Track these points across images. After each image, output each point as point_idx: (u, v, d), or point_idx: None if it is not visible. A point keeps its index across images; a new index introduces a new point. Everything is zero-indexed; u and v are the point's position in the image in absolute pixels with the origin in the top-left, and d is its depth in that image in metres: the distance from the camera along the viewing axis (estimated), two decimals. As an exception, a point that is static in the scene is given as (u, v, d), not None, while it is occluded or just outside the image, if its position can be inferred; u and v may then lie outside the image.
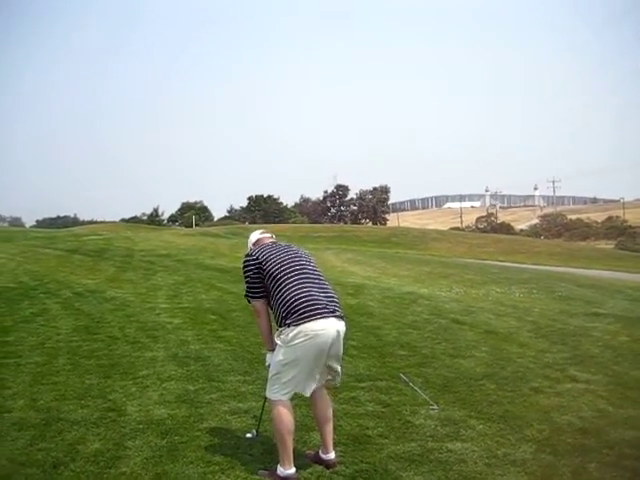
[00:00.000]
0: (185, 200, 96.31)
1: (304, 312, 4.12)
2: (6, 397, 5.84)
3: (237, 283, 12.69)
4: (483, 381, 6.49)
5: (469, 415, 5.41)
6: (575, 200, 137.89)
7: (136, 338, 8.26)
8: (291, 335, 4.11)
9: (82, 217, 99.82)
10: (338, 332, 4.23)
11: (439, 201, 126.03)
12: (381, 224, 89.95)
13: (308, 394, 4.35)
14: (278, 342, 4.22)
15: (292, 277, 4.26)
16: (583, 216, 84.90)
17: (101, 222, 74.50)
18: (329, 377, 4.42)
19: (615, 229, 72.25)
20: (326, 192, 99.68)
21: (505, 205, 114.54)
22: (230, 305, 10.83)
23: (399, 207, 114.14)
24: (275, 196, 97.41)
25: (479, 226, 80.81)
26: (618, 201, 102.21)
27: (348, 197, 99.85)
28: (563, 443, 4.80)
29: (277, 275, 4.27)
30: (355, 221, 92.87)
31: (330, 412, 4.51)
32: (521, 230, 77.94)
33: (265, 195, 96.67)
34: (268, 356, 4.44)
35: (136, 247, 21.45)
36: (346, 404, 5.61)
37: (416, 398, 5.78)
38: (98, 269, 16.06)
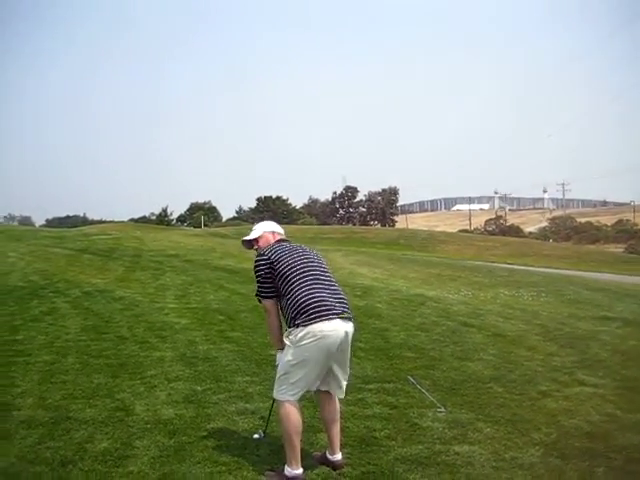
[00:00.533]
0: (194, 200, 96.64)
1: (313, 313, 4.13)
2: (15, 395, 5.88)
3: (245, 284, 12.72)
4: (491, 384, 6.48)
5: (477, 418, 5.40)
6: (585, 203, 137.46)
7: (144, 338, 8.29)
8: (300, 335, 4.12)
9: (91, 217, 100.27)
10: (347, 333, 4.23)
11: (448, 203, 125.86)
12: (390, 226, 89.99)
13: (313, 389, 4.37)
14: (287, 342, 4.23)
15: (303, 278, 4.27)
16: (593, 219, 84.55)
17: (110, 222, 74.75)
18: (336, 380, 4.41)
19: (625, 232, 71.95)
20: (335, 193, 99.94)
21: (514, 208, 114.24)
22: (238, 306, 10.85)
23: (408, 209, 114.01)
24: (284, 197, 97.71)
25: (488, 228, 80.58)
26: (628, 204, 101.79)
27: (357, 199, 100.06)
28: (571, 447, 4.79)
29: (288, 276, 4.28)
30: (364, 222, 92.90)
31: (337, 413, 4.52)
32: (530, 233, 77.74)
33: (274, 196, 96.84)
34: (278, 356, 4.45)
35: (145, 247, 21.49)
36: (353, 406, 5.61)
37: (423, 400, 5.77)
38: (107, 269, 16.11)
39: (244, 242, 4.82)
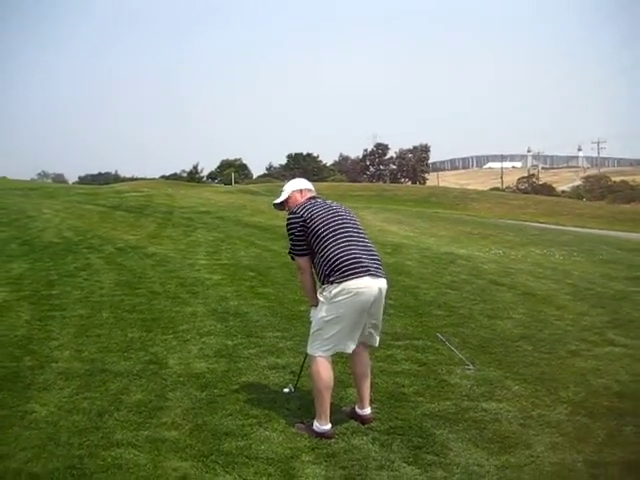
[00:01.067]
0: (224, 157, 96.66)
1: (347, 270, 4.15)
2: (52, 348, 6.05)
3: (276, 240, 12.80)
4: (520, 342, 6.48)
5: (505, 376, 5.42)
6: (620, 162, 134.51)
7: (176, 293, 8.43)
8: (334, 292, 4.16)
9: (123, 174, 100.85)
10: (380, 290, 4.26)
11: (480, 161, 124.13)
12: (420, 183, 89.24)
13: (349, 351, 4.41)
14: (321, 299, 4.27)
15: (336, 235, 4.29)
16: (628, 178, 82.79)
17: (141, 179, 75.21)
18: (368, 335, 4.46)
19: (661, 192, 70.45)
20: (365, 151, 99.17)
21: (547, 166, 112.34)
22: (269, 262, 10.94)
23: (439, 166, 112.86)
24: (314, 154, 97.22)
25: (520, 187, 79.53)
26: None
27: (387, 156, 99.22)
28: (599, 406, 4.79)
29: (321, 233, 4.29)
30: (394, 180, 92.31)
31: (368, 369, 4.58)
32: (563, 192, 76.55)
33: (304, 153, 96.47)
34: (312, 312, 4.49)
35: (176, 204, 21.63)
36: (382, 362, 5.67)
37: (452, 358, 5.81)
38: (139, 225, 16.28)
39: (275, 205, 4.81)
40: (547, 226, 27.54)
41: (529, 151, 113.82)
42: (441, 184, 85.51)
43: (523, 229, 23.30)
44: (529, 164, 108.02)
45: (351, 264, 4.17)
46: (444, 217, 28.07)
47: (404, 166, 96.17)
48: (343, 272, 4.14)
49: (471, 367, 5.56)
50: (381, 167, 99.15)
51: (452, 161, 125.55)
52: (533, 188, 75.89)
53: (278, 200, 4.74)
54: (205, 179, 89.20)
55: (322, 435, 4.19)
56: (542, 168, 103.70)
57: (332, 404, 4.39)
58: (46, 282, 9.08)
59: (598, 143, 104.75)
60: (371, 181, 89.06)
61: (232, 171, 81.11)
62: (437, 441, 4.15)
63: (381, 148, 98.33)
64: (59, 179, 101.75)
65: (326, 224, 4.32)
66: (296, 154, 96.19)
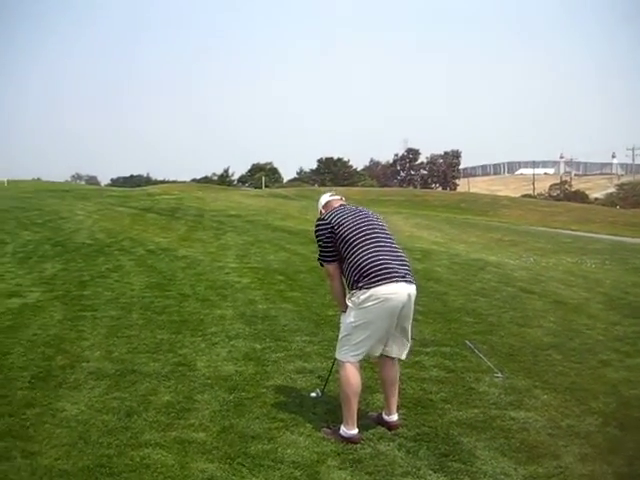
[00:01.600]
0: (255, 161, 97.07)
1: (376, 276, 4.15)
2: (84, 348, 6.14)
3: (305, 245, 12.83)
4: (549, 351, 6.42)
5: (534, 385, 5.37)
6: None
7: (206, 296, 8.49)
8: (363, 298, 4.16)
9: (154, 176, 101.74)
10: (409, 296, 4.25)
11: (511, 167, 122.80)
12: (451, 189, 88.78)
13: (377, 354, 4.42)
14: (349, 304, 4.27)
15: (365, 241, 4.29)
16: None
17: (173, 182, 75.88)
18: (398, 339, 4.44)
19: (698, 200, 69.09)
20: (396, 155, 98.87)
21: (580, 173, 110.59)
22: (298, 266, 10.97)
23: (470, 172, 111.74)
24: (345, 159, 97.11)
25: (552, 194, 78.53)
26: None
27: (418, 161, 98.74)
28: (630, 417, 4.72)
29: (350, 239, 4.30)
30: (425, 185, 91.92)
31: (396, 375, 4.57)
32: (596, 199, 75.40)
33: (335, 158, 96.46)
34: (342, 318, 4.50)
35: (207, 207, 21.82)
36: (410, 368, 5.65)
37: (480, 365, 5.77)
38: (170, 228, 16.45)
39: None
40: (579, 234, 27.19)
41: (562, 157, 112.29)
42: (472, 190, 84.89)
43: (555, 236, 23.06)
44: (562, 171, 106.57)
45: (380, 270, 4.16)
46: (474, 223, 27.90)
47: (435, 171, 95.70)
48: (372, 278, 4.14)
49: (500, 375, 5.52)
50: (412, 172, 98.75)
51: (483, 167, 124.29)
52: (565, 195, 74.92)
53: (320, 214, 4.68)
54: (236, 183, 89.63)
55: (349, 440, 4.19)
56: (575, 175, 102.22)
57: (359, 409, 4.39)
58: (78, 283, 9.22)
59: (633, 150, 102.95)
60: (401, 186, 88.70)
61: (263, 175, 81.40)
62: (464, 449, 4.13)
63: (412, 153, 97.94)
64: (92, 181, 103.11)
65: (355, 230, 4.33)
66: (327, 159, 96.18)
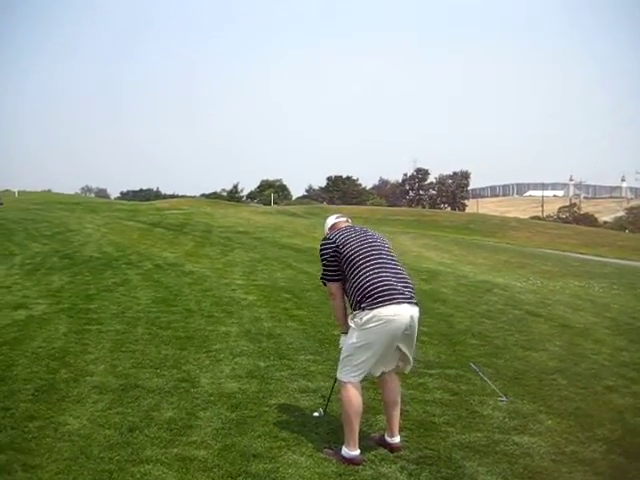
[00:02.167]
0: (265, 178, 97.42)
1: (379, 297, 4.15)
2: (88, 362, 6.15)
3: (312, 263, 12.83)
4: (555, 376, 6.38)
5: (538, 409, 5.33)
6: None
7: (211, 312, 8.50)
8: (365, 319, 4.16)
9: (164, 191, 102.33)
10: (412, 318, 4.24)
11: (520, 188, 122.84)
12: (460, 210, 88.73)
13: (377, 374, 4.41)
14: (352, 325, 4.27)
15: (368, 262, 4.30)
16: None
17: (182, 196, 76.19)
18: (400, 363, 4.46)
19: None
20: (405, 175, 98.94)
21: (589, 195, 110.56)
22: (304, 284, 10.97)
23: (479, 193, 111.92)
24: (354, 177, 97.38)
25: (561, 216, 78.39)
26: None
27: (427, 181, 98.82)
28: (636, 445, 4.67)
29: (354, 259, 4.31)
30: (433, 205, 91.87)
31: (398, 396, 4.55)
32: (605, 222, 75.18)
33: (344, 176, 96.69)
34: (342, 338, 4.51)
35: (215, 223, 21.90)
36: (414, 390, 5.63)
37: (485, 388, 5.74)
38: (178, 243, 16.51)
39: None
40: (587, 257, 27.11)
41: (571, 180, 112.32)
42: (480, 211, 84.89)
43: (562, 259, 23.00)
44: (571, 193, 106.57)
45: (383, 291, 4.16)
46: (482, 245, 27.87)
47: (444, 192, 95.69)
48: (375, 299, 4.14)
49: (504, 399, 5.49)
50: (420, 192, 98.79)
51: (492, 188, 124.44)
52: (574, 218, 74.76)
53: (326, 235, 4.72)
54: (245, 199, 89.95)
55: (350, 461, 4.17)
56: (584, 197, 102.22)
57: (361, 430, 4.37)
58: (85, 296, 9.25)
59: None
60: (410, 206, 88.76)
61: (272, 192, 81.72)
62: (466, 473, 4.10)
63: (421, 173, 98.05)
64: (102, 194, 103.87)
65: (359, 250, 4.34)
66: (336, 177, 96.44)
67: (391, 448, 4.40)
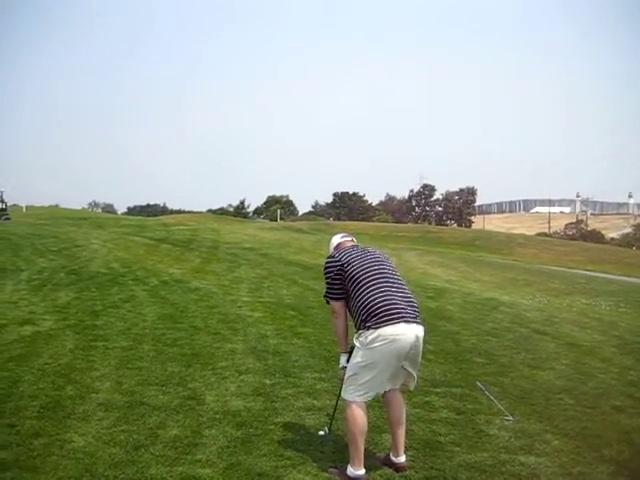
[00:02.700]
0: (271, 194, 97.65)
1: (384, 316, 4.16)
2: (94, 378, 6.15)
3: (318, 280, 12.80)
4: (562, 395, 6.35)
5: (545, 429, 5.31)
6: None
7: (217, 329, 8.50)
8: (370, 338, 4.16)
9: (171, 206, 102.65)
10: (417, 337, 4.24)
11: (527, 205, 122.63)
12: (466, 226, 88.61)
13: (381, 392, 4.41)
14: (357, 344, 4.27)
15: (373, 280, 4.31)
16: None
17: (189, 212, 76.43)
18: (404, 381, 4.46)
19: None
20: (412, 191, 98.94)
21: (596, 212, 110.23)
22: (310, 302, 10.97)
23: (486, 209, 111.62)
24: (360, 193, 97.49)
25: (568, 232, 78.14)
26: None
27: (434, 197, 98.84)
28: (643, 466, 4.65)
29: (358, 278, 4.32)
30: (440, 222, 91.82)
31: (403, 415, 4.54)
32: (612, 239, 74.91)
33: (350, 192, 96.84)
34: (342, 358, 4.51)
35: (221, 239, 21.95)
36: (420, 408, 5.61)
37: (491, 407, 5.72)
38: (184, 259, 16.54)
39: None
40: (594, 274, 27.02)
41: (578, 196, 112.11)
42: (487, 227, 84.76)
43: (569, 277, 22.94)
44: (578, 209, 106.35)
45: (388, 310, 4.17)
46: (488, 262, 27.83)
47: (450, 208, 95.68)
48: (380, 318, 4.14)
49: (510, 418, 5.47)
50: (427, 208, 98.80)
51: (499, 204, 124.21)
52: (581, 234, 74.52)
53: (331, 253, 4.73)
54: (251, 214, 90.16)
55: (356, 480, 4.16)
56: (591, 214, 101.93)
57: (366, 449, 4.36)
58: (91, 312, 9.27)
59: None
60: (416, 222, 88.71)
61: (278, 207, 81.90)
62: (472, 494, 4.08)
63: (427, 189, 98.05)
64: (108, 209, 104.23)
65: (364, 269, 4.35)
66: (342, 193, 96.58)
67: (396, 468, 4.39)
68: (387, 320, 4.13)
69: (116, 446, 4.58)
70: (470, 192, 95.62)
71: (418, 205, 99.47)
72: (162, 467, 4.26)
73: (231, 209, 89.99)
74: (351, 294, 4.35)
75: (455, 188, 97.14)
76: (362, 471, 4.19)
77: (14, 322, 8.46)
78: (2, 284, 11.54)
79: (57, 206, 72.97)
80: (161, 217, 53.47)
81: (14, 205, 51.59)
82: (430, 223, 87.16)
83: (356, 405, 4.24)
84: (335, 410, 5.02)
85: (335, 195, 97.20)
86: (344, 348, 4.50)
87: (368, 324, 4.17)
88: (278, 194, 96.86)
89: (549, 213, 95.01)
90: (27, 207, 56.41)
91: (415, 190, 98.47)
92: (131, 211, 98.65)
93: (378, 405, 5.21)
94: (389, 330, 4.12)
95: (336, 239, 4.81)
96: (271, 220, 71.47)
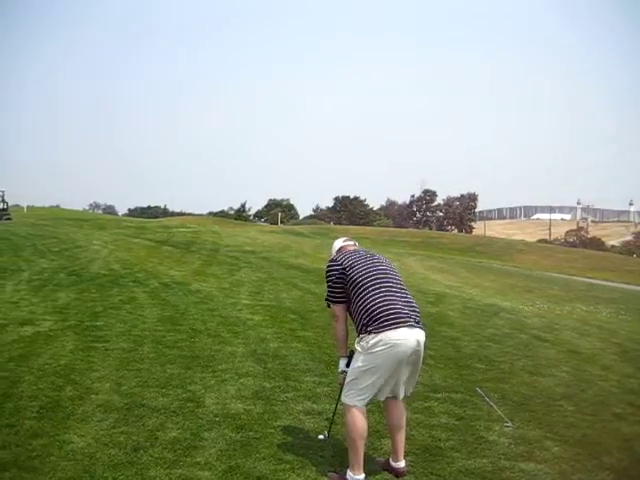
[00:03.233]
0: (272, 197, 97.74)
1: (385, 320, 4.15)
2: (93, 379, 6.14)
3: (319, 284, 12.82)
4: (562, 402, 6.34)
5: (545, 436, 5.30)
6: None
7: (217, 332, 8.49)
8: (372, 342, 4.15)
9: (172, 208, 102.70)
10: (418, 342, 4.23)
11: (528, 211, 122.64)
12: (467, 232, 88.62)
13: (382, 398, 4.40)
14: (358, 348, 4.26)
15: (375, 285, 4.31)
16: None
17: (189, 214, 76.49)
18: (404, 386, 4.44)
19: None
20: (413, 196, 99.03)
21: (597, 219, 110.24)
22: (310, 305, 10.95)
23: (486, 215, 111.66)
24: (361, 198, 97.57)
25: (568, 239, 78.12)
26: None
27: (435, 203, 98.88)
28: (643, 474, 4.64)
29: (360, 282, 4.32)
30: (440, 227, 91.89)
31: (403, 420, 4.53)
32: (613, 246, 74.84)
33: (351, 196, 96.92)
34: (341, 362, 4.51)
35: (222, 242, 21.92)
36: (420, 414, 5.60)
37: (491, 413, 5.71)
38: (185, 261, 16.52)
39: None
40: (595, 281, 26.98)
41: (579, 203, 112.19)
42: (488, 233, 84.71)
43: (569, 283, 22.92)
44: (578, 217, 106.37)
45: (390, 314, 4.16)
46: (489, 267, 27.81)
47: (451, 214, 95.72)
48: (382, 322, 4.14)
49: (510, 425, 5.46)
50: (428, 214, 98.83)
51: (499, 210, 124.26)
52: (582, 241, 74.50)
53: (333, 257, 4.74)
54: (252, 217, 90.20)
55: (355, 485, 4.15)
56: (592, 221, 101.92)
57: (366, 454, 4.36)
58: (91, 313, 9.26)
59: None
60: (417, 227, 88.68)
61: (279, 211, 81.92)
62: (472, 500, 4.07)
63: (429, 194, 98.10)
64: (109, 210, 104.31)
65: (366, 273, 4.35)
66: (343, 197, 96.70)
67: (396, 473, 4.39)
68: (389, 324, 4.12)
69: (115, 447, 4.58)
70: (471, 198, 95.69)
71: (419, 210, 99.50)
72: (161, 469, 4.25)
73: (232, 212, 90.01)
74: (353, 298, 4.34)
75: (456, 194, 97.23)
76: (362, 476, 4.19)
77: (14, 322, 8.47)
78: (3, 284, 11.55)
79: (58, 207, 73.01)
80: (162, 219, 53.48)
81: (15, 205, 51.62)
82: (431, 228, 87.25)
83: (356, 409, 4.24)
84: (335, 414, 5.01)
85: (336, 199, 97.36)
86: (344, 352, 4.50)
87: (370, 328, 4.16)
88: (279, 197, 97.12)
89: (550, 220, 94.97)
90: (28, 207, 56.46)
91: (416, 195, 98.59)
92: (132, 213, 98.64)
93: (378, 410, 5.21)
94: (391, 335, 4.11)
95: (338, 243, 4.81)
96: (272, 223, 71.44)
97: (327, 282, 4.52)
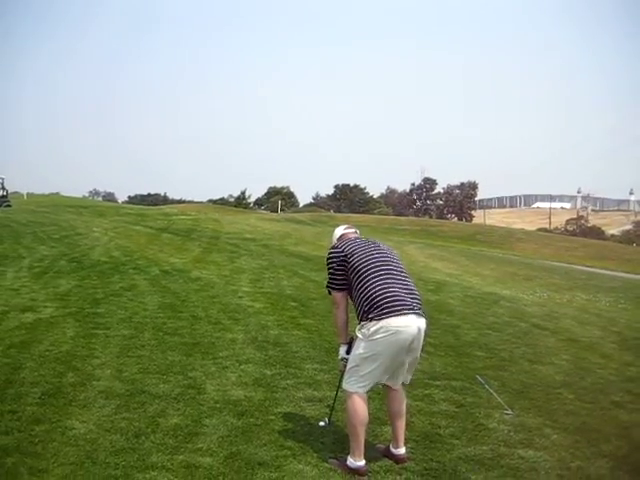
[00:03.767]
0: (272, 185, 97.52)
1: (387, 307, 4.16)
2: (95, 366, 6.16)
3: (319, 271, 12.84)
4: (561, 390, 6.36)
5: (544, 423, 5.32)
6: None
7: (218, 319, 8.51)
8: (373, 329, 4.16)
9: (172, 196, 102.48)
10: (419, 329, 4.24)
11: (528, 200, 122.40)
12: (467, 220, 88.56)
13: (382, 382, 4.43)
14: (359, 335, 4.27)
15: (376, 272, 4.31)
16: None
17: (189, 202, 76.37)
18: (404, 374, 4.46)
19: None
20: (413, 184, 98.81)
21: (597, 208, 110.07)
22: (311, 293, 10.97)
23: (486, 204, 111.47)
24: (361, 186, 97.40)
25: (568, 228, 78.08)
26: None
27: (435, 191, 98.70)
28: (641, 462, 4.66)
29: (361, 269, 4.33)
30: (440, 216, 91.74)
31: (404, 407, 4.55)
32: (612, 235, 74.83)
33: (352, 184, 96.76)
34: (342, 349, 4.53)
35: (222, 229, 21.93)
36: (420, 401, 5.63)
37: (491, 401, 5.73)
38: (185, 249, 16.54)
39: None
40: (594, 270, 27.02)
41: (579, 192, 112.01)
42: (488, 222, 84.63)
43: (569, 272, 22.94)
44: (578, 205, 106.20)
45: (391, 302, 4.17)
46: (489, 256, 27.82)
47: (451, 202, 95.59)
48: (383, 309, 4.15)
49: (510, 412, 5.48)
50: (428, 202, 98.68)
51: (500, 199, 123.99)
52: (582, 230, 74.48)
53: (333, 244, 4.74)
54: (252, 205, 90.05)
55: (355, 471, 4.17)
56: (592, 210, 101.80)
57: (367, 440, 4.37)
58: (92, 300, 9.27)
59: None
60: (417, 215, 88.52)
61: (279, 199, 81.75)
62: (471, 486, 4.09)
63: (429, 183, 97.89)
64: (109, 198, 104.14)
65: (367, 260, 4.35)
66: (343, 185, 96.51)
67: (396, 459, 4.41)
68: (390, 312, 4.13)
69: (117, 433, 4.60)
70: (471, 186, 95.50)
71: (419, 198, 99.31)
72: (163, 455, 4.27)
73: (232, 200, 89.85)
74: (354, 285, 4.35)
75: (456, 182, 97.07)
76: (362, 462, 4.21)
77: (15, 309, 8.48)
78: (3, 271, 11.56)
79: (58, 194, 72.93)
80: (162, 207, 53.42)
81: (15, 192, 51.56)
82: (431, 217, 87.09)
83: (357, 396, 4.26)
84: (335, 401, 5.03)
85: (336, 187, 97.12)
86: (344, 339, 4.51)
87: (371, 315, 4.17)
88: (279, 185, 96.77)
89: (550, 209, 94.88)
90: (28, 194, 56.40)
91: (416, 183, 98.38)
92: (132, 200, 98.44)
93: (378, 397, 5.23)
94: (392, 321, 4.12)
95: (339, 230, 4.82)
96: (272, 211, 71.37)
97: (328, 269, 4.52)
